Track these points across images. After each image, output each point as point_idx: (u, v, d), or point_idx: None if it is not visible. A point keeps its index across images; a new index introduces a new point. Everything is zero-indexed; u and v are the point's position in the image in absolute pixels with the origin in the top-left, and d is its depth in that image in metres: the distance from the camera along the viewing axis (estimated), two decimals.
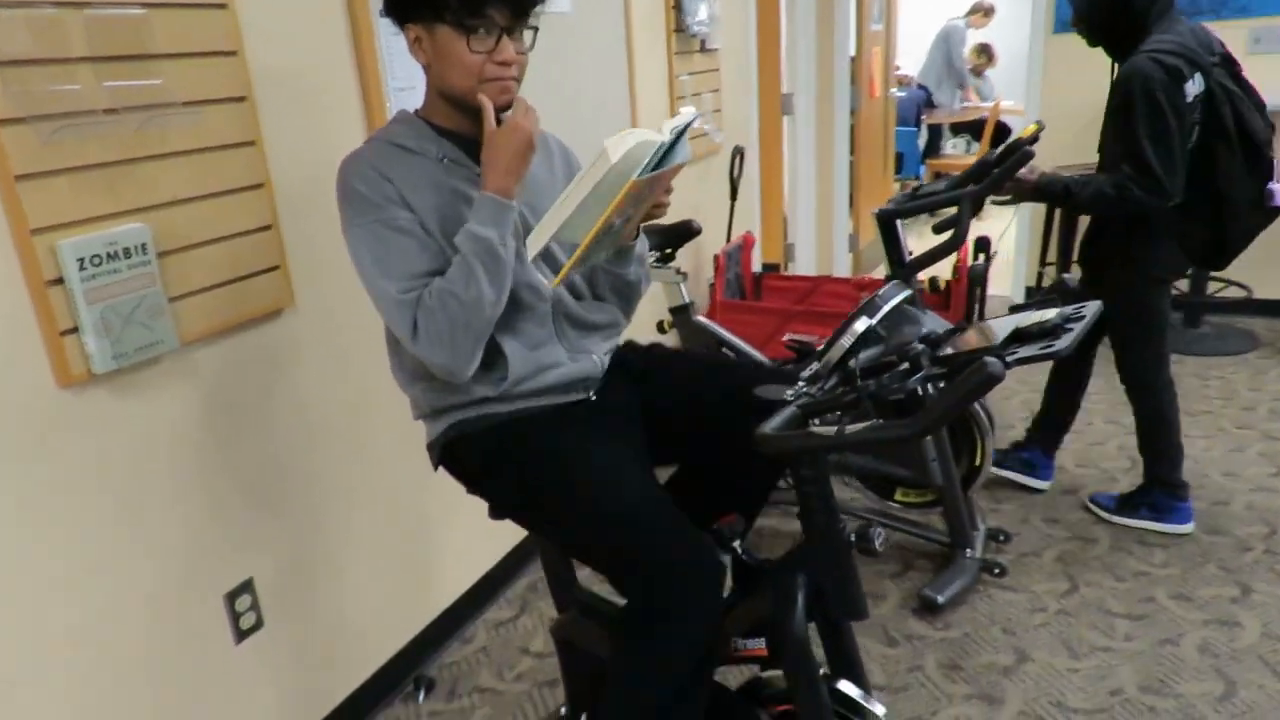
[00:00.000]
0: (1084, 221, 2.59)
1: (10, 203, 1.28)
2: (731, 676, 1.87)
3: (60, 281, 1.34)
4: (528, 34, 1.41)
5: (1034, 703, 2.00)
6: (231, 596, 1.70)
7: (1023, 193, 2.27)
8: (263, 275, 1.68)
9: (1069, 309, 1.12)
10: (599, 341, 1.59)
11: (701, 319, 2.67)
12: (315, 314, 1.81)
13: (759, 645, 1.47)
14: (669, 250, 2.62)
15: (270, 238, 1.69)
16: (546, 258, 1.49)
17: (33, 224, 1.30)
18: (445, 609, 2.31)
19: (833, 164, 5.04)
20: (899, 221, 2.33)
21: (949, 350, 1.16)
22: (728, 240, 3.54)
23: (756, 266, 4.16)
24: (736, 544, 1.50)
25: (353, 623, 2.01)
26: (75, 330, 1.36)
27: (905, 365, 1.17)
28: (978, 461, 2.48)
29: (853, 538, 1.33)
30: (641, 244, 1.60)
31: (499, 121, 1.36)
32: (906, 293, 1.25)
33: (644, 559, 1.35)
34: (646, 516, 1.37)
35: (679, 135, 1.32)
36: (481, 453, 1.47)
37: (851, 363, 1.28)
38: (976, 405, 2.45)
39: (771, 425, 1.16)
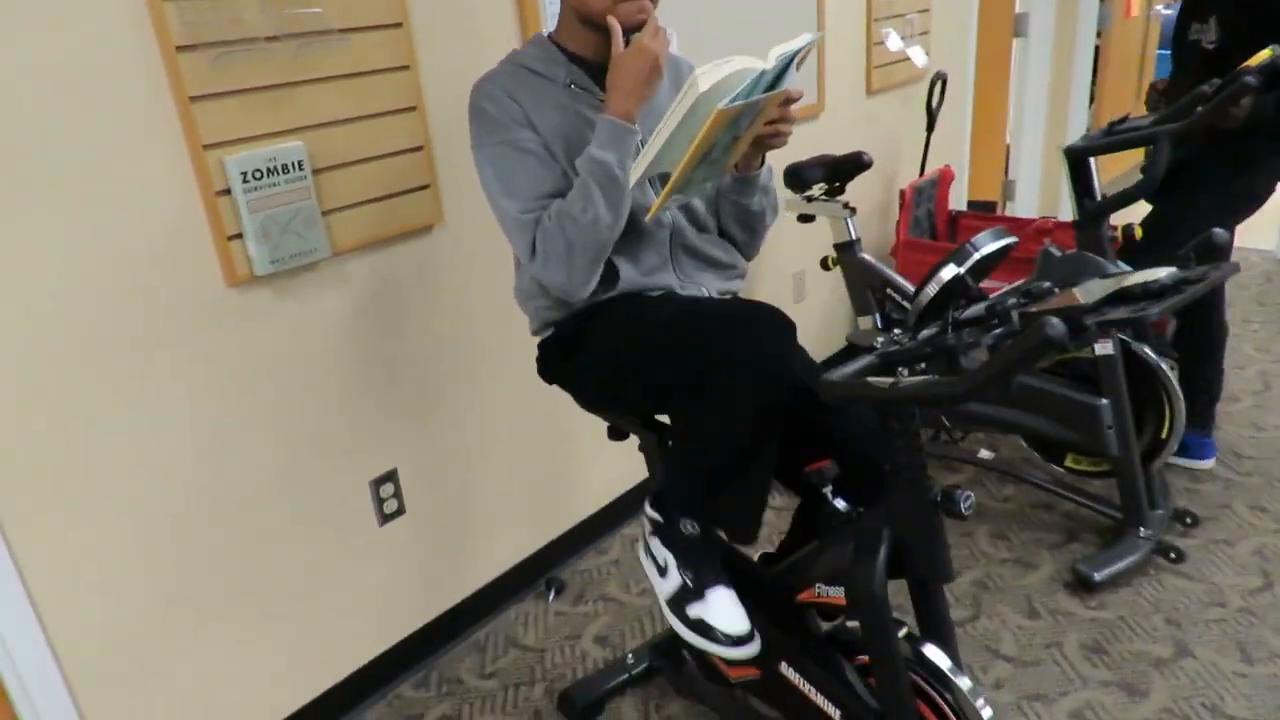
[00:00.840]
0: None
1: (186, 121, 1.45)
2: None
3: (227, 192, 1.52)
4: None
5: (1184, 701, 1.81)
6: (377, 483, 1.89)
7: (1227, 128, 1.97)
8: (413, 193, 1.81)
9: (1195, 270, 0.97)
10: (714, 278, 1.58)
11: (866, 257, 2.55)
12: (463, 230, 1.93)
13: (840, 594, 1.44)
14: (837, 183, 2.51)
15: (421, 158, 1.80)
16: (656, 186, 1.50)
17: (204, 140, 1.48)
18: (585, 518, 2.43)
19: (1068, 93, 4.54)
20: (1092, 160, 2.08)
21: (1038, 307, 1.04)
22: (921, 174, 3.33)
23: (960, 204, 3.90)
24: (826, 490, 1.46)
25: (491, 519, 2.18)
26: (240, 236, 1.55)
27: (994, 320, 1.08)
28: (1164, 434, 2.22)
29: (938, 497, 1.26)
30: (766, 174, 1.56)
31: (627, 44, 1.36)
32: (1008, 240, 1.14)
33: (708, 325, 1.32)
34: (719, 317, 1.35)
35: (787, 63, 1.25)
36: (574, 324, 1.50)
37: (954, 313, 1.20)
38: (1168, 371, 2.18)
39: (841, 371, 1.12)
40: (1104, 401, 2.16)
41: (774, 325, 1.30)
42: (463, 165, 1.88)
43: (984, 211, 3.91)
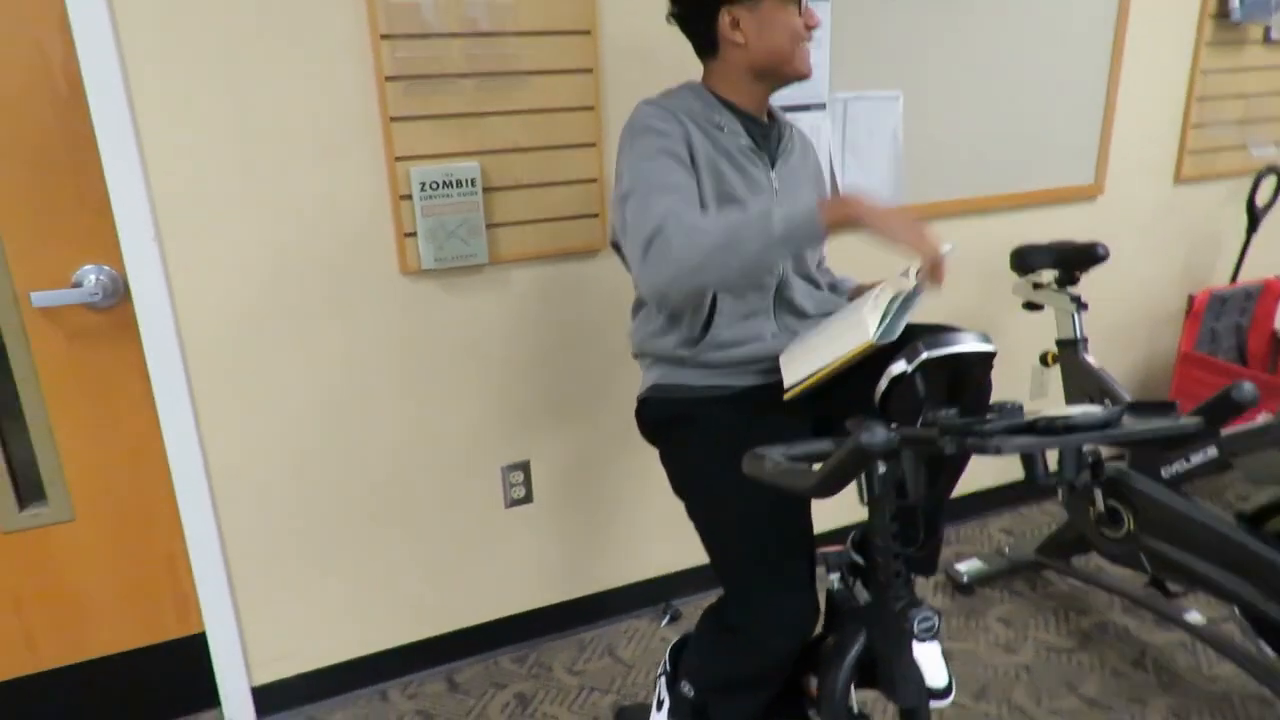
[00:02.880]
0: None
1: (386, 136, 1.79)
2: None
3: (409, 198, 1.83)
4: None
5: None
6: (508, 469, 2.12)
7: None
8: (582, 219, 2.00)
9: (1120, 415, 0.81)
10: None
11: (1089, 359, 2.26)
12: None
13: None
14: (1072, 272, 2.26)
15: (594, 189, 1.99)
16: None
17: (397, 153, 1.80)
18: None
19: None
20: None
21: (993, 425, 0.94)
22: (1232, 280, 2.82)
23: None
24: (834, 577, 1.39)
25: (624, 530, 2.31)
26: (414, 235, 1.86)
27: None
28: None
29: (899, 611, 1.16)
30: None
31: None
32: (972, 348, 1.02)
33: (745, 598, 1.42)
34: (764, 557, 1.40)
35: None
36: (655, 421, 1.59)
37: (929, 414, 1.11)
38: None
39: (776, 449, 1.09)
40: None
41: (798, 605, 1.38)
42: None
43: None
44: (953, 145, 2.38)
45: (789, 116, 1.67)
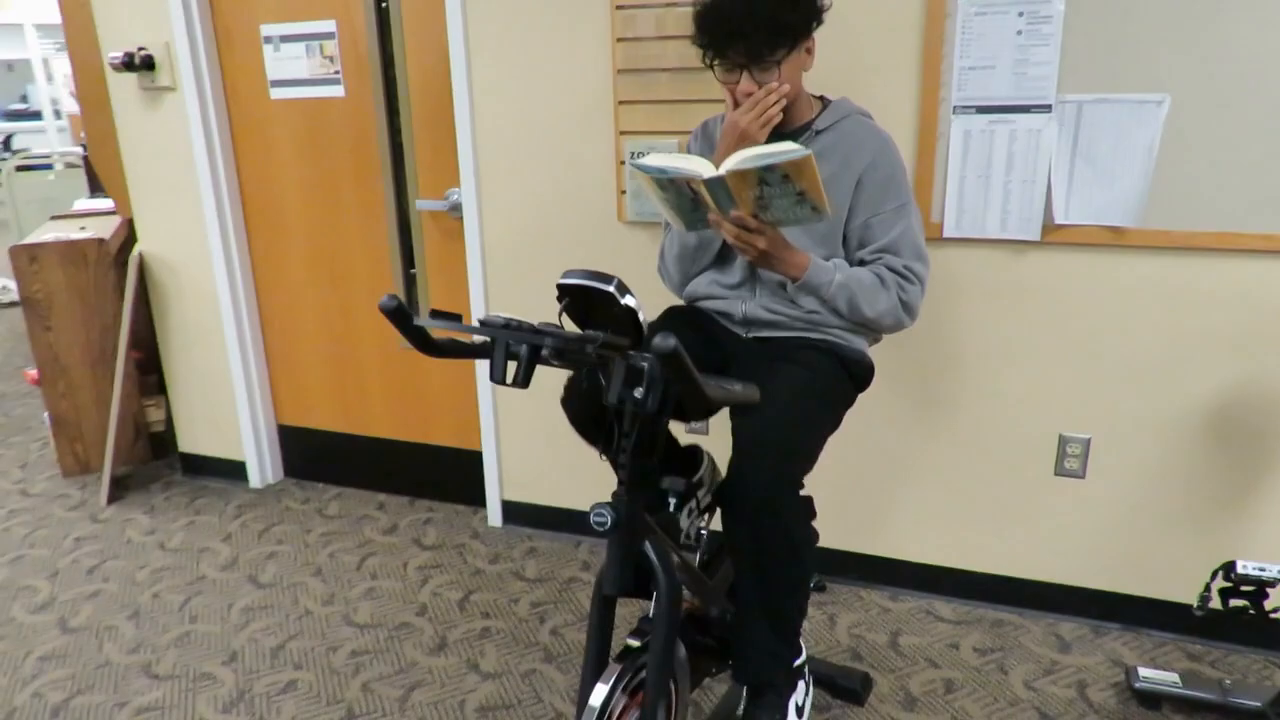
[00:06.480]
0: None
1: (615, 115, 2.37)
2: None
3: (623, 163, 2.38)
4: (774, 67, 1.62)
5: None
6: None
7: None
8: None
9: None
10: (785, 306, 1.76)
11: None
12: None
13: None
14: None
15: None
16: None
17: (620, 128, 2.37)
18: None
19: None
20: None
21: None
22: None
23: None
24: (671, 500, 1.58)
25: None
26: (624, 193, 2.40)
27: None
28: None
29: None
30: (797, 285, 1.67)
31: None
32: (589, 283, 1.19)
33: None
34: None
35: (764, 164, 1.41)
36: None
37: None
38: None
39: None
40: None
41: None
42: None
43: None
44: (1235, 164, 1.92)
45: (855, 118, 1.74)
